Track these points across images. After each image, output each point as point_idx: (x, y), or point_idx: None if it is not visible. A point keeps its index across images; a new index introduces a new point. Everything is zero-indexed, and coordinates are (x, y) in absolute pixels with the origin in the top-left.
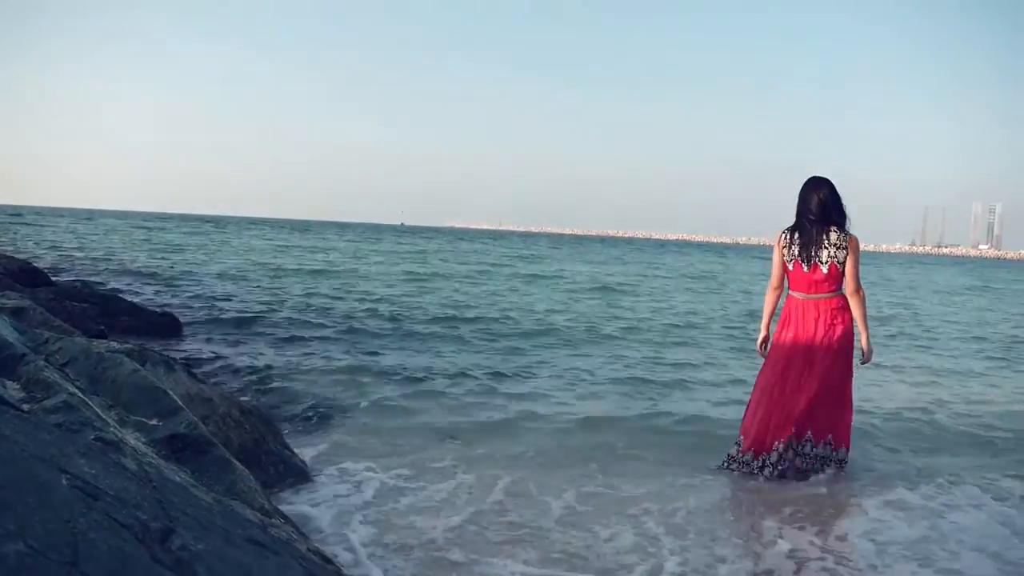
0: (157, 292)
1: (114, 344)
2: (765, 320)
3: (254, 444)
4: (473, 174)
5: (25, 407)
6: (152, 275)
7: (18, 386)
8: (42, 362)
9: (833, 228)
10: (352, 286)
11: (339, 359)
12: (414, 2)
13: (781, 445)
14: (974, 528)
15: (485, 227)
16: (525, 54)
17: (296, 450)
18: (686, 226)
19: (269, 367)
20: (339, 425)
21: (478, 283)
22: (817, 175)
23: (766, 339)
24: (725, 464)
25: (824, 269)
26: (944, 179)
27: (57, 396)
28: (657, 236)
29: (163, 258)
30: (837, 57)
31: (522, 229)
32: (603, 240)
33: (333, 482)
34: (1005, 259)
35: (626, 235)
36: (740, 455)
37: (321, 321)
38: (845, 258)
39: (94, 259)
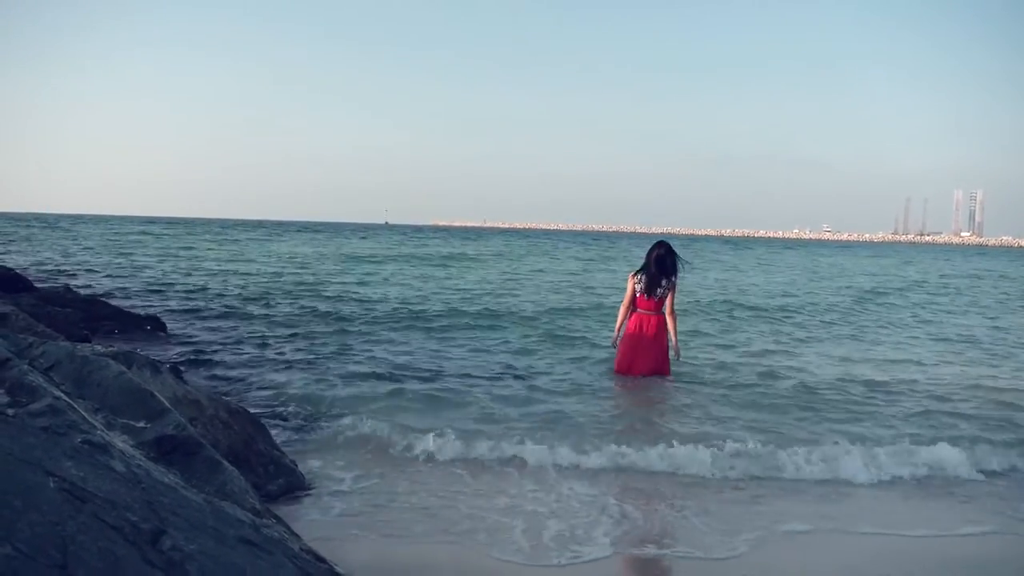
0: (146, 296)
1: (99, 347)
2: (619, 324)
3: (243, 445)
4: (455, 172)
5: (10, 411)
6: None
7: (2, 391)
8: (26, 366)
9: (664, 277)
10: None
11: (329, 360)
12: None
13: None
14: None
15: (469, 224)
16: (505, 50)
17: (286, 449)
18: (666, 220)
19: (257, 368)
20: (329, 424)
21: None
22: (660, 239)
23: (619, 335)
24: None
25: (656, 299)
26: (926, 166)
27: (42, 400)
28: (641, 230)
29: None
30: (816, 45)
31: (505, 226)
32: (596, 235)
33: (324, 480)
34: (986, 246)
35: (610, 230)
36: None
37: (310, 323)
38: (667, 294)
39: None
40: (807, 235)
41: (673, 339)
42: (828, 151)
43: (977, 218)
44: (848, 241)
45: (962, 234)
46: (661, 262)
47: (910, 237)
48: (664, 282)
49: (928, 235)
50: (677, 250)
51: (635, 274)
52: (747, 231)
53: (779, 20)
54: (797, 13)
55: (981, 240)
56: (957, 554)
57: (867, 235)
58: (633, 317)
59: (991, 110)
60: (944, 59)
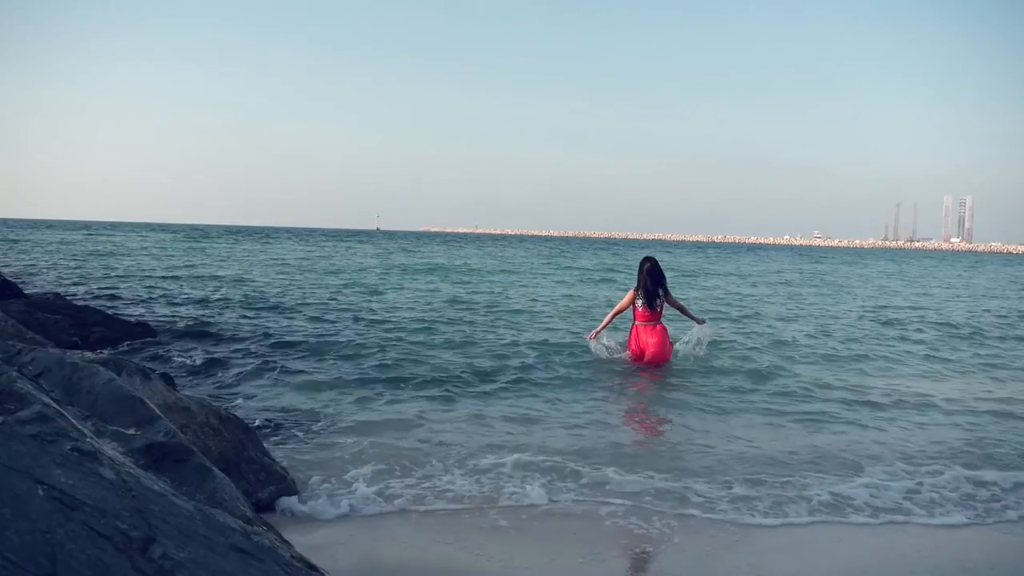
0: (137, 300)
1: (88, 354)
2: (603, 324)
3: (234, 452)
4: (446, 178)
5: None
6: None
7: None
8: (15, 373)
9: (659, 287)
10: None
11: (318, 369)
12: (386, 5)
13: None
14: None
15: (461, 230)
16: (497, 56)
17: (276, 457)
18: (658, 226)
19: (250, 376)
20: (319, 432)
21: None
22: (647, 255)
23: (599, 333)
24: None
25: (657, 310)
26: (916, 172)
27: (31, 407)
28: (633, 236)
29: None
30: (807, 50)
31: (498, 232)
32: (592, 241)
33: (315, 487)
34: (975, 252)
35: (603, 236)
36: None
37: (299, 332)
38: (664, 302)
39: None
40: (797, 241)
41: (693, 316)
42: (820, 156)
43: (967, 224)
44: (839, 247)
45: (952, 240)
46: (652, 274)
47: (900, 243)
48: (660, 291)
49: (918, 241)
50: (691, 256)
51: (636, 290)
52: (737, 237)
53: (772, 27)
54: (790, 19)
55: (971, 246)
56: None
57: (857, 241)
58: (633, 331)
59: (981, 116)
60: (936, 65)
